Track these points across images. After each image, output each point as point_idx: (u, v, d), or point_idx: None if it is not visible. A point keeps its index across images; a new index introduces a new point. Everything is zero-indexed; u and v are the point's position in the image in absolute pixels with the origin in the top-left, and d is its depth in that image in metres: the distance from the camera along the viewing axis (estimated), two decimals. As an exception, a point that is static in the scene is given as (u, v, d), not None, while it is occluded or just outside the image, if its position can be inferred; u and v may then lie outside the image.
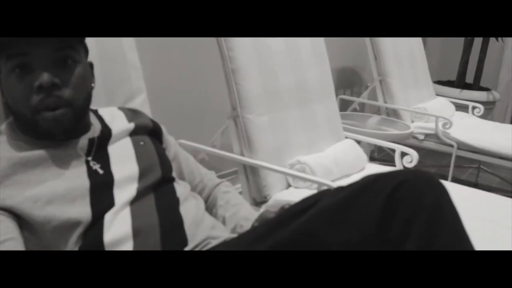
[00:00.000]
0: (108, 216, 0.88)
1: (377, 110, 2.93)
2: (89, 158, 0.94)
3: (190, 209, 0.97)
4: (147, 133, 1.07)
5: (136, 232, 0.88)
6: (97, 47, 0.96)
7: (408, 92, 2.79)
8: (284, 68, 1.71)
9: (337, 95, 3.03)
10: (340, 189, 0.79)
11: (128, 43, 1.32)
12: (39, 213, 0.85)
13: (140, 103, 1.29)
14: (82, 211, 0.88)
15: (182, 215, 0.94)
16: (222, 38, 1.55)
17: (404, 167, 1.87)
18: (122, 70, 1.27)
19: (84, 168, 0.92)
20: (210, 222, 0.98)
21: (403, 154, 1.86)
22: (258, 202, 1.64)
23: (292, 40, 1.78)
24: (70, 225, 0.86)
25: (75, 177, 0.90)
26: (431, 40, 4.14)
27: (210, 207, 1.17)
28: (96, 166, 0.94)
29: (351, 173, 1.78)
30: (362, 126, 2.53)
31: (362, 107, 3.25)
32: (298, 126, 1.74)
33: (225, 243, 0.84)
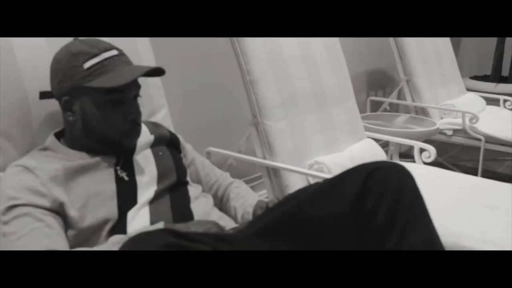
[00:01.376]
0: (131, 213, 1.05)
1: (408, 109, 2.98)
2: (118, 168, 1.11)
3: (200, 205, 1.14)
4: (165, 143, 1.24)
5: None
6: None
7: (435, 89, 2.83)
8: (299, 74, 1.82)
9: (368, 96, 3.12)
10: (327, 179, 0.99)
11: (149, 64, 1.44)
12: (76, 214, 1.01)
13: (162, 117, 1.45)
14: (110, 211, 1.04)
15: (193, 210, 1.11)
16: (240, 52, 1.66)
17: (423, 162, 1.96)
18: (145, 90, 1.40)
19: (113, 176, 1.09)
20: (217, 215, 1.15)
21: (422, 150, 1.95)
22: (281, 201, 1.76)
23: (306, 46, 1.88)
24: (101, 223, 1.03)
25: (106, 183, 1.07)
26: (465, 35, 4.13)
27: (225, 201, 1.34)
28: (123, 174, 1.11)
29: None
30: (390, 126, 2.60)
31: (396, 107, 3.30)
32: (316, 129, 1.85)
33: (230, 229, 1.01)
